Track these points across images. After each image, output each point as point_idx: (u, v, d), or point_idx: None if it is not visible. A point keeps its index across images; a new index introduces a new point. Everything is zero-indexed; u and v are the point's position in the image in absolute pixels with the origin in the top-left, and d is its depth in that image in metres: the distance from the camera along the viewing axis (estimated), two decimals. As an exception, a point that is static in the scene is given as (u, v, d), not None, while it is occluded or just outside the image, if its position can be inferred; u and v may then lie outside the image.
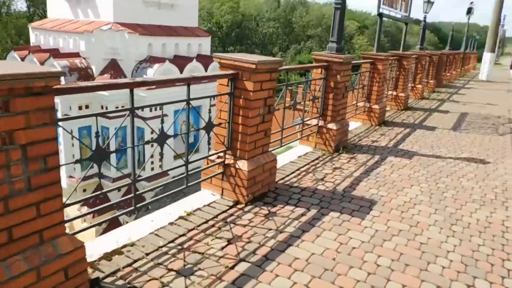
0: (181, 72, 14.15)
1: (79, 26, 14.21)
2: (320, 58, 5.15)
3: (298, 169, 4.44)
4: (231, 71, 3.41)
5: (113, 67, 13.79)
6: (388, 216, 3.41)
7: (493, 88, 14.67)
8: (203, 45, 16.87)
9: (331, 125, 5.17)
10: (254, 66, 3.26)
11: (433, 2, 10.15)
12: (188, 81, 3.14)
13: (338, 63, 5.02)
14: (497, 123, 7.84)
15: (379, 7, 6.65)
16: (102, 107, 13.25)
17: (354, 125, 6.81)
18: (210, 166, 3.61)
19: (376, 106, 6.88)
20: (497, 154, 5.58)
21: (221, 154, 3.59)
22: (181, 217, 3.20)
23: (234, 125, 3.51)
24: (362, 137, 6.04)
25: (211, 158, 3.63)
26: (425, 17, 10.29)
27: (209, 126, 3.34)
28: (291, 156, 4.91)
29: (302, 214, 3.34)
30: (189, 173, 3.26)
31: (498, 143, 6.22)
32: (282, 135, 4.45)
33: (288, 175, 4.24)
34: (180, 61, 14.90)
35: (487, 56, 17.21)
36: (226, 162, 3.57)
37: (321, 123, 5.25)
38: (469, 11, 18.51)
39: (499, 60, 49.17)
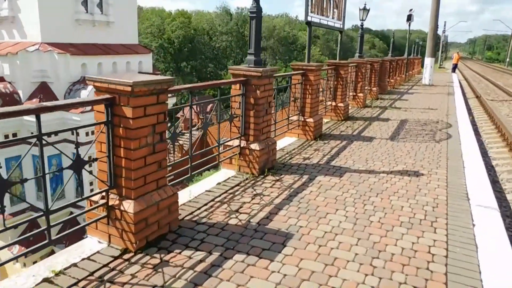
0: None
1: (3, 48, 13.10)
2: (237, 72, 4.69)
3: (212, 200, 3.91)
4: (106, 96, 2.86)
5: (42, 90, 12.75)
6: (302, 253, 2.93)
7: (435, 92, 14.94)
8: (144, 62, 16.13)
9: (254, 146, 4.69)
10: (129, 89, 2.72)
11: (368, 10, 10.09)
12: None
13: (256, 77, 4.57)
14: (434, 129, 7.72)
15: (306, 15, 6.32)
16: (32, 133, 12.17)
17: (288, 141, 6.40)
18: (92, 209, 3.01)
19: (310, 120, 6.51)
20: (432, 164, 5.32)
21: (104, 194, 3.00)
22: (45, 280, 2.57)
23: (117, 159, 2.94)
24: (294, 155, 5.62)
25: (94, 199, 3.03)
26: (362, 25, 10.21)
27: (78, 164, 2.74)
28: (208, 183, 4.37)
29: (201, 261, 2.79)
30: (50, 224, 2.63)
31: (434, 151, 5.99)
32: (190, 162, 3.91)
33: (198, 208, 3.69)
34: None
35: (428, 60, 17.65)
36: (110, 203, 2.98)
37: (243, 143, 4.76)
38: (409, 18, 19.00)
39: (443, 64, 51.70)
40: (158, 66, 54.73)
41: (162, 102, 3.05)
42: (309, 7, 6.36)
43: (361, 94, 10.19)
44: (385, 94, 13.58)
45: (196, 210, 3.67)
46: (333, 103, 8.35)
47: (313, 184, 4.44)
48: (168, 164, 3.31)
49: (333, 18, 7.58)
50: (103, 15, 14.91)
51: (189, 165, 3.93)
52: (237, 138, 4.78)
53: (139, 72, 15.46)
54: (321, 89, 7.83)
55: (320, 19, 6.88)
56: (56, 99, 12.75)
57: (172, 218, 3.27)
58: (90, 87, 12.84)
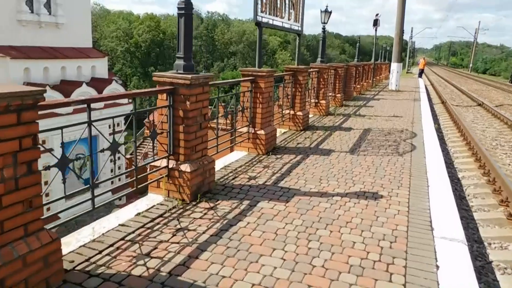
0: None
1: None
2: (163, 80, 3.93)
3: (122, 238, 3.12)
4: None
5: (-22, 97, 11.56)
6: (215, 323, 2.19)
7: (401, 98, 14.64)
8: (98, 67, 15.06)
9: (185, 166, 3.93)
10: None
11: (330, 12, 9.55)
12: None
13: (185, 85, 3.82)
14: (398, 139, 7.19)
15: (255, 15, 5.64)
16: None
17: (235, 156, 5.67)
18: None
19: (261, 132, 5.81)
20: (393, 183, 4.71)
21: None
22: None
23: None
24: (239, 173, 4.89)
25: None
26: (323, 28, 9.65)
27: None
28: (125, 214, 3.58)
29: None
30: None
31: (396, 166, 5.41)
32: (92, 192, 3.12)
33: (100, 252, 2.90)
34: (66, 87, 13.01)
35: (394, 66, 17.42)
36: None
37: (171, 164, 3.99)
38: (375, 22, 18.77)
39: (410, 69, 52.60)
40: (125, 71, 53.16)
41: (27, 122, 2.26)
42: (259, 6, 5.68)
43: (323, 101, 9.62)
44: (350, 100, 13.11)
45: (95, 255, 2.87)
46: (292, 112, 7.70)
47: (253, 212, 3.71)
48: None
49: (289, 19, 6.95)
50: (51, 16, 13.79)
51: (91, 197, 3.13)
52: (164, 158, 4.01)
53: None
54: (278, 97, 7.18)
55: (272, 20, 6.22)
56: (-6, 107, 11.56)
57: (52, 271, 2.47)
58: (33, 94, 11.71)
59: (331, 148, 6.32)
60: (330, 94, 11.25)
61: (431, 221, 3.62)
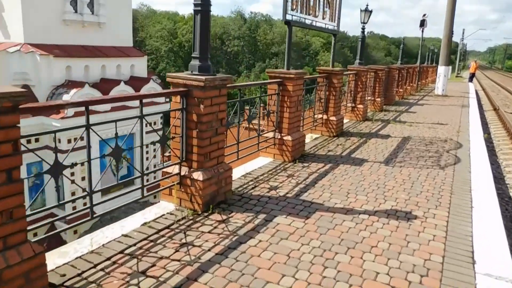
0: (106, 96, 12.50)
1: (-15, 48, 12.43)
2: (176, 81, 3.68)
3: (121, 251, 2.89)
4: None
5: (23, 93, 12.02)
6: None
7: (448, 104, 13.67)
8: (137, 66, 15.29)
9: (197, 175, 3.66)
10: None
11: (371, 11, 8.99)
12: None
13: (199, 87, 3.55)
14: (441, 150, 6.55)
15: (285, 13, 5.28)
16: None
17: (260, 162, 5.34)
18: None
19: (288, 138, 5.45)
20: (431, 201, 4.19)
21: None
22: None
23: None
24: (260, 182, 4.56)
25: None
26: (363, 28, 9.11)
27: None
28: (130, 223, 3.36)
29: None
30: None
31: (436, 181, 4.85)
32: (91, 196, 2.91)
33: (94, 266, 2.68)
34: (105, 85, 13.28)
35: (441, 69, 16.36)
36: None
37: (184, 171, 3.74)
38: (422, 23, 17.75)
39: (460, 73, 49.80)
40: (169, 70, 54.31)
41: (5, 127, 2.06)
42: (289, 4, 5.32)
43: (360, 106, 9.07)
44: (391, 105, 12.39)
45: (90, 269, 2.66)
46: (324, 117, 7.26)
47: (267, 229, 3.37)
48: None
49: (323, 18, 6.53)
50: (94, 16, 14.17)
51: (88, 205, 2.93)
52: (176, 164, 3.76)
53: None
54: (309, 101, 6.79)
55: (304, 18, 5.84)
56: (36, 104, 11.98)
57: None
58: (72, 91, 12.05)
59: (364, 158, 5.84)
60: (369, 98, 10.66)
61: (473, 252, 3.11)
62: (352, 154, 6.02)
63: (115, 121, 3.10)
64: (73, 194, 12.38)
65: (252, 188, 4.38)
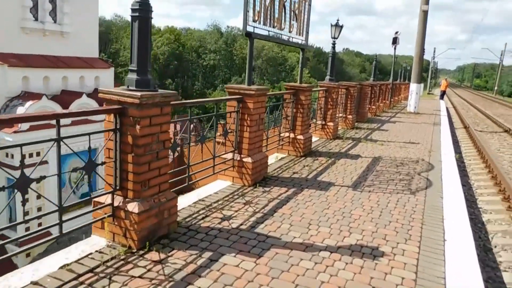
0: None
1: None
2: (110, 97, 3.17)
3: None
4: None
5: (-27, 105, 11.16)
6: None
7: (420, 121, 13.59)
8: (102, 78, 14.61)
9: (132, 206, 3.13)
10: None
11: (341, 26, 8.75)
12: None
13: (135, 105, 3.05)
14: (412, 172, 6.22)
15: (245, 24, 4.86)
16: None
17: (216, 186, 4.84)
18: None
19: (248, 160, 4.98)
20: (400, 233, 3.78)
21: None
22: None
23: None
24: (212, 211, 4.05)
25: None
26: (334, 43, 8.84)
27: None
28: (48, 265, 2.78)
29: None
30: None
31: (406, 209, 4.47)
32: (60, 213, 2.34)
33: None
34: (66, 97, 12.55)
35: (413, 87, 16.39)
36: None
37: (118, 201, 3.20)
38: (395, 41, 17.86)
39: (432, 90, 51.03)
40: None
41: None
42: (250, 15, 4.91)
43: (331, 124, 8.73)
44: (364, 122, 12.17)
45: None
46: (291, 135, 6.85)
47: (211, 271, 2.86)
48: None
49: (290, 31, 6.16)
50: (56, 25, 13.47)
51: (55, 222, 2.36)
52: (109, 193, 3.22)
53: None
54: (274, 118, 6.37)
55: (268, 31, 5.44)
56: (-13, 116, 11.13)
57: None
58: (28, 103, 11.28)
59: (331, 181, 5.42)
60: (340, 115, 10.37)
61: (445, 300, 2.68)
62: (318, 177, 5.60)
63: (89, 134, 3.01)
64: (26, 214, 11.51)
65: (203, 218, 3.86)
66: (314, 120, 8.53)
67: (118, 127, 3.14)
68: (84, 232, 3.72)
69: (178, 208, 4.02)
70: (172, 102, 3.44)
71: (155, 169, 3.33)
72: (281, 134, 6.86)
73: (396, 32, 17.84)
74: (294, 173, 5.74)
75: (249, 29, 4.94)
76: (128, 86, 3.20)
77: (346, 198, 4.74)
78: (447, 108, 23.71)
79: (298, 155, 6.82)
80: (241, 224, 3.76)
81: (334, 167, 6.22)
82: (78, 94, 12.76)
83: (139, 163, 3.14)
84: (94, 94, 13.85)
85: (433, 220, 4.18)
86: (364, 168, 6.25)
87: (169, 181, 3.59)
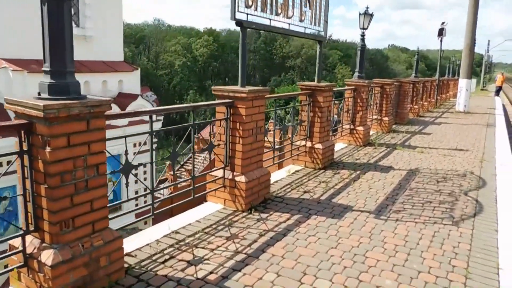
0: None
1: (-42, 64, 11.57)
2: (16, 109, 2.35)
3: None
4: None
5: (-6, 111, 11.04)
6: None
7: (470, 122, 11.92)
8: (126, 81, 14.19)
9: (46, 255, 2.31)
10: None
11: (371, 15, 7.54)
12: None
13: (42, 119, 2.20)
14: (457, 191, 4.96)
15: (234, 10, 3.90)
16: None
17: (201, 212, 3.93)
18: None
19: (241, 179, 4.02)
20: (431, 294, 2.66)
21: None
22: None
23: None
24: (177, 252, 3.14)
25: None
26: (363, 35, 7.63)
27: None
28: None
29: None
30: None
31: (444, 250, 3.31)
32: None
33: None
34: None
35: (463, 83, 14.58)
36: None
37: (31, 247, 2.38)
38: (441, 32, 16.07)
39: (486, 86, 47.14)
40: (184, 85, 53.80)
41: None
42: (240, -1, 3.94)
43: (360, 128, 7.55)
44: (403, 124, 10.77)
45: None
46: (308, 144, 5.81)
47: None
48: None
49: (302, 20, 5.13)
50: (79, 29, 13.17)
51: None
52: (19, 236, 2.40)
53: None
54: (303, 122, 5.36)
55: (270, 19, 4.44)
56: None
57: None
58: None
59: (349, 204, 4.33)
60: (374, 117, 9.12)
61: None
62: (334, 198, 4.52)
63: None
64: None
65: (164, 261, 2.96)
66: (340, 125, 7.39)
67: (26, 148, 2.31)
68: None
69: (138, 246, 3.18)
70: (107, 112, 2.56)
71: (84, 204, 2.47)
72: (297, 143, 5.83)
73: (443, 23, 16.05)
74: (305, 192, 4.70)
75: (240, 16, 3.97)
76: (38, 93, 2.36)
77: (363, 230, 3.64)
78: (503, 106, 21.32)
79: (316, 168, 5.76)
80: (211, 272, 2.81)
81: (357, 184, 5.09)
82: (99, 99, 12.36)
83: (53, 197, 2.29)
84: (117, 99, 13.49)
85: (484, 270, 2.99)
86: (395, 185, 5.08)
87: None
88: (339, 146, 7.39)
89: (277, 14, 4.57)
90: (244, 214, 3.95)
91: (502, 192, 4.94)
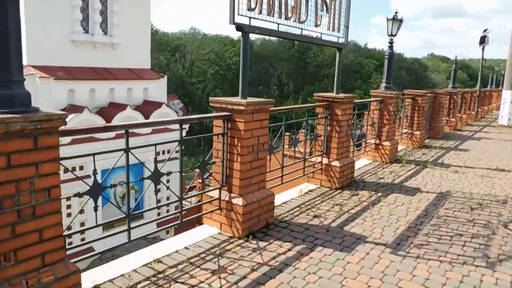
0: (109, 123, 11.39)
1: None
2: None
3: None
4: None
5: (20, 118, 11.24)
6: None
7: (515, 138, 10.88)
8: (152, 89, 14.17)
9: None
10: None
11: (401, 20, 6.92)
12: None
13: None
14: (495, 221, 4.27)
15: (233, 14, 3.50)
16: None
17: (194, 237, 3.52)
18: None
19: (238, 201, 3.58)
20: None
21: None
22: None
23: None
24: (155, 285, 2.73)
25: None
26: (391, 41, 7.02)
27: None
28: None
29: None
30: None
31: (473, 300, 2.70)
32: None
33: None
34: (111, 110, 12.22)
35: (507, 94, 13.42)
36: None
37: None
38: (483, 40, 14.99)
39: (534, 97, 44.07)
40: (217, 92, 54.15)
41: None
42: (243, 0, 3.54)
43: (387, 143, 6.91)
44: (438, 139, 9.95)
45: None
46: (325, 161, 5.28)
47: None
48: None
49: (317, 25, 4.65)
50: (107, 36, 13.30)
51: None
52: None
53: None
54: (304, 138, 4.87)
55: (278, 24, 4.01)
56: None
57: None
58: (70, 116, 11.02)
59: (363, 234, 3.77)
60: (405, 131, 8.43)
61: None
62: (347, 225, 3.97)
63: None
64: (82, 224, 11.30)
65: (133, 301, 2.55)
66: (365, 140, 6.80)
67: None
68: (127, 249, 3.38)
69: (112, 276, 2.82)
70: (61, 129, 2.21)
71: (30, 233, 2.11)
72: (313, 159, 5.33)
73: (485, 30, 14.98)
74: (315, 216, 4.18)
75: (240, 20, 3.57)
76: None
77: (375, 269, 3.09)
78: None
79: (332, 187, 5.22)
80: (183, 318, 2.37)
81: (377, 209, 4.51)
82: (123, 107, 12.36)
83: (-13, 228, 1.94)
84: (142, 106, 13.46)
85: (523, 332, 2.38)
86: (420, 212, 4.45)
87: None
88: (363, 162, 6.79)
89: (286, 18, 4.13)
90: (240, 241, 3.50)
91: (549, 225, 4.20)
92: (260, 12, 3.77)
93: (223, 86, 52.25)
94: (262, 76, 56.96)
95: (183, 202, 3.45)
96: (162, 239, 3.98)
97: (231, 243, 3.46)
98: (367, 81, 55.53)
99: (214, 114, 3.63)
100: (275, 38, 54.26)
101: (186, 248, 3.33)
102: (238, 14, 3.53)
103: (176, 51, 55.90)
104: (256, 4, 3.68)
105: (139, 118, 12.46)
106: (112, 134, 11.30)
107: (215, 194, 3.71)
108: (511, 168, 7.00)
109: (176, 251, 3.26)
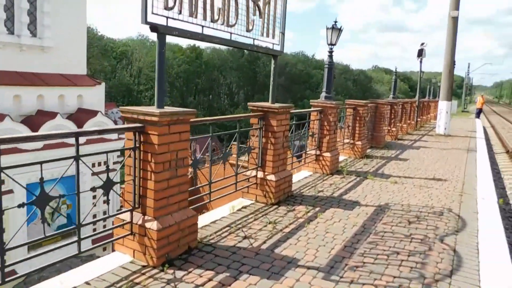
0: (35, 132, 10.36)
1: None
2: None
3: None
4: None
5: None
6: None
7: (450, 146, 11.27)
8: (87, 96, 13.20)
9: None
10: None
11: (340, 29, 6.82)
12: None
13: None
14: (432, 235, 4.12)
15: (145, 11, 3.06)
16: None
17: (100, 269, 2.98)
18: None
19: (152, 225, 3.11)
20: None
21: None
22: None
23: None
24: None
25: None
26: (331, 51, 6.89)
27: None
28: None
29: None
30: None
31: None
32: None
33: None
34: (40, 118, 11.18)
35: (442, 105, 14.02)
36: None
37: None
38: (420, 53, 15.63)
39: (467, 107, 47.48)
40: (166, 101, 52.87)
41: None
42: (155, -3, 3.11)
43: (327, 154, 6.73)
44: (379, 148, 10.04)
45: None
46: (259, 175, 4.93)
47: None
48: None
49: (249, 30, 4.32)
50: (36, 39, 12.20)
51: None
52: None
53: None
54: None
55: (202, 26, 3.62)
56: None
57: None
58: (-12, 126, 9.90)
59: (294, 256, 3.44)
60: (347, 141, 8.35)
61: None
62: (278, 247, 3.62)
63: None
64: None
65: None
66: (305, 151, 6.57)
67: None
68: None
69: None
70: None
71: None
72: (247, 173, 4.97)
73: (422, 44, 15.62)
74: (244, 237, 3.79)
75: (155, 19, 3.14)
76: None
77: (305, 300, 2.74)
78: (484, 128, 20.99)
79: (268, 203, 4.87)
80: None
81: (312, 226, 4.22)
82: (53, 115, 11.34)
83: None
84: (76, 115, 12.47)
85: None
86: (357, 228, 4.21)
87: None
88: (303, 174, 6.55)
89: (213, 21, 3.75)
90: (154, 271, 3.02)
91: (484, 237, 4.13)
92: (180, 12, 3.36)
93: (171, 94, 51.11)
94: (212, 85, 56.47)
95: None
96: (98, 257, 3.52)
97: (143, 274, 2.98)
98: (315, 91, 56.82)
99: (122, 126, 3.15)
100: (224, 47, 54.00)
101: (86, 283, 2.80)
102: (152, 13, 3.10)
103: (122, 57, 53.98)
104: (175, 3, 3.27)
105: (71, 127, 11.51)
106: (40, 144, 10.42)
107: (126, 217, 3.21)
108: (447, 177, 7.08)
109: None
